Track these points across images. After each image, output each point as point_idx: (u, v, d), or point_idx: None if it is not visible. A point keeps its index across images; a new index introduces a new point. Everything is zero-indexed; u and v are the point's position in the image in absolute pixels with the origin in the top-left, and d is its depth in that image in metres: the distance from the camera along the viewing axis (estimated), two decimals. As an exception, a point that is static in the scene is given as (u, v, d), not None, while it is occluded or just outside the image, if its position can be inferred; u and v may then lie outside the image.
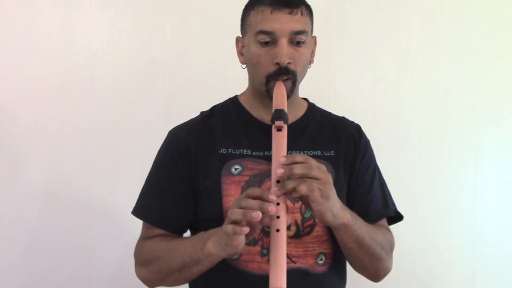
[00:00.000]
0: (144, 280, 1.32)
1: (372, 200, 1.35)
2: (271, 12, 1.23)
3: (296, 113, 1.35)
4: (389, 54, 2.18)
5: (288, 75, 1.25)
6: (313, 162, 1.11)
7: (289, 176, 1.10)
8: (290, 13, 1.24)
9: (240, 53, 1.34)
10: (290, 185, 1.09)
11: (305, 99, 1.42)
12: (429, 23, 2.19)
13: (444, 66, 2.20)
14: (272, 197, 1.07)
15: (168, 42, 2.05)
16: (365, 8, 2.17)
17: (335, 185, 1.25)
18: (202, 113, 1.39)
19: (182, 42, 2.06)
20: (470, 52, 2.20)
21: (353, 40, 2.16)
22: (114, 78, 2.02)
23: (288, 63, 1.24)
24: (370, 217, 1.33)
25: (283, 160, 1.11)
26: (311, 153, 1.31)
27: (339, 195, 1.24)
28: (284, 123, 1.19)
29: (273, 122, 1.19)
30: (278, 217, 1.08)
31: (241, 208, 1.07)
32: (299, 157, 1.11)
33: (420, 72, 2.19)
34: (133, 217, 1.35)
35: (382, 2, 2.17)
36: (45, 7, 1.97)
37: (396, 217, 1.41)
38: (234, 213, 1.07)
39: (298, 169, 1.09)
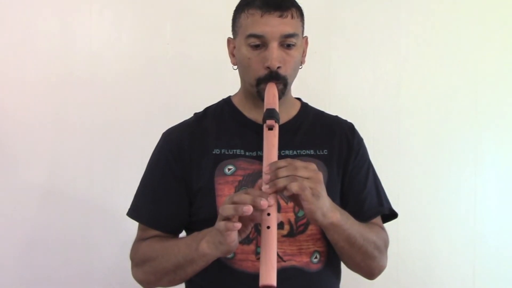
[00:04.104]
0: (140, 281, 1.33)
1: (366, 198, 1.36)
2: (261, 16, 1.24)
3: (289, 113, 1.36)
4: (389, 54, 2.18)
5: (278, 80, 1.26)
6: (298, 163, 1.11)
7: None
8: (281, 16, 1.24)
9: (232, 54, 1.35)
10: (281, 183, 1.09)
11: (298, 98, 1.43)
12: (429, 23, 2.19)
13: (444, 66, 2.19)
14: (266, 192, 1.08)
15: (168, 42, 2.05)
16: (365, 8, 2.16)
17: (328, 183, 1.27)
18: (195, 114, 1.41)
19: (182, 42, 2.06)
20: (470, 52, 2.19)
21: (353, 40, 2.16)
22: (114, 78, 2.02)
23: (278, 67, 1.25)
24: (364, 215, 1.33)
25: (266, 169, 1.11)
26: (304, 152, 1.32)
27: (333, 193, 1.25)
28: (276, 122, 1.19)
29: (264, 121, 1.20)
30: (269, 214, 1.08)
31: (233, 203, 1.08)
32: (281, 162, 1.12)
33: (420, 72, 2.19)
34: (132, 216, 1.36)
35: (382, 2, 2.17)
36: (45, 7, 1.98)
37: (391, 215, 1.41)
38: (226, 209, 1.08)
39: (282, 172, 1.09)
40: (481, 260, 2.20)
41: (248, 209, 1.05)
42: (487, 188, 2.21)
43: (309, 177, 1.10)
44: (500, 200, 2.22)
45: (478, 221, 2.20)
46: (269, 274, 1.04)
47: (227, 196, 1.12)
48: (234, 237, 1.10)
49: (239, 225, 1.08)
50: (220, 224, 1.09)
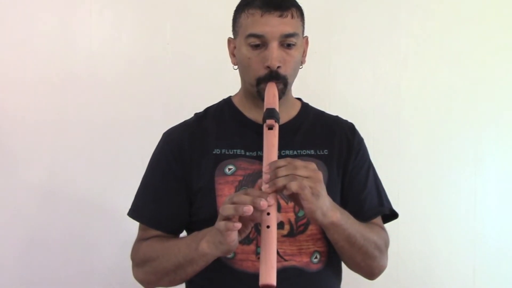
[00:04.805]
0: (140, 281, 1.33)
1: (366, 198, 1.36)
2: (262, 15, 1.24)
3: (289, 113, 1.36)
4: (389, 54, 2.18)
5: (278, 80, 1.26)
6: (298, 162, 1.11)
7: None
8: (281, 16, 1.24)
9: (232, 54, 1.35)
10: (280, 182, 1.09)
11: (299, 99, 1.43)
12: (429, 23, 2.19)
13: (444, 66, 2.20)
14: (265, 191, 1.08)
15: (168, 42, 2.05)
16: (365, 8, 2.16)
17: (329, 183, 1.27)
18: (196, 114, 1.41)
19: (182, 42, 2.06)
20: (470, 52, 2.19)
21: (353, 40, 2.16)
22: (114, 78, 2.02)
23: (278, 66, 1.25)
24: (364, 215, 1.33)
25: (266, 169, 1.11)
26: (304, 152, 1.32)
27: (333, 193, 1.25)
28: (275, 121, 1.20)
29: (264, 121, 1.20)
30: (268, 214, 1.08)
31: (233, 203, 1.08)
32: (281, 161, 1.12)
33: (420, 72, 2.19)
34: (132, 216, 1.36)
35: (382, 2, 2.17)
36: (45, 7, 1.98)
37: (391, 215, 1.41)
38: (226, 209, 1.08)
39: (282, 172, 1.09)
40: (481, 260, 2.20)
41: (249, 209, 1.05)
42: (487, 188, 2.21)
43: (309, 176, 1.10)
44: (500, 200, 2.22)
45: (478, 221, 2.20)
46: (269, 274, 1.04)
47: (227, 196, 1.12)
48: (234, 237, 1.10)
49: (239, 225, 1.08)
50: (220, 224, 1.09)
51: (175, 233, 1.35)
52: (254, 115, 1.33)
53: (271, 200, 1.08)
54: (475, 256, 2.20)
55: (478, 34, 2.20)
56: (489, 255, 2.20)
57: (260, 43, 1.25)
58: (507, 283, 2.22)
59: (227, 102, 1.40)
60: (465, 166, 2.21)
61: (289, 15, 1.25)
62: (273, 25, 1.24)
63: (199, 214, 1.30)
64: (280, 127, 1.21)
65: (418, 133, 2.19)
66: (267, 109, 1.22)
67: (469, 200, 2.20)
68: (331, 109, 1.46)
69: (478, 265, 2.20)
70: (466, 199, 2.20)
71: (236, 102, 1.38)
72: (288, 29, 1.25)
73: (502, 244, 2.22)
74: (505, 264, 2.22)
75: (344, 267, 1.37)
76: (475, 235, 2.20)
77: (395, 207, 1.42)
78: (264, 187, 1.10)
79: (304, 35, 1.34)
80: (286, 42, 1.25)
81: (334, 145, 1.35)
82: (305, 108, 1.41)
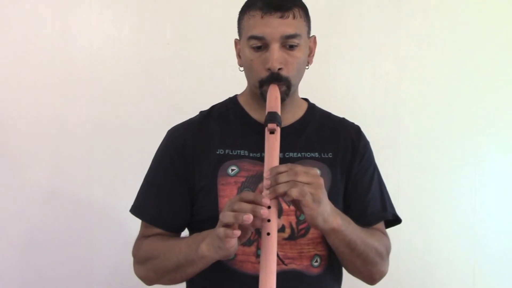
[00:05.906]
0: (141, 278, 1.33)
1: (369, 202, 1.34)
2: (262, 17, 1.23)
3: (295, 114, 1.35)
4: (389, 54, 2.18)
5: (280, 82, 1.24)
6: (299, 168, 1.10)
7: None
8: (281, 17, 1.23)
9: (238, 56, 1.34)
10: (281, 189, 1.08)
11: (306, 99, 1.42)
12: (429, 23, 2.19)
13: (444, 66, 2.19)
14: (265, 200, 1.07)
15: (168, 42, 2.05)
16: (365, 8, 2.16)
17: (332, 187, 1.26)
18: (201, 112, 1.40)
19: (182, 42, 2.06)
20: (470, 52, 2.19)
21: (353, 40, 2.16)
22: (114, 78, 2.02)
23: (279, 68, 1.23)
24: (367, 219, 1.32)
25: (267, 174, 1.11)
26: (308, 154, 1.31)
27: (336, 197, 1.25)
28: (277, 125, 1.18)
29: (266, 125, 1.19)
30: (269, 220, 1.08)
31: (233, 211, 1.07)
32: (282, 167, 1.11)
33: (420, 72, 2.19)
34: (133, 216, 1.36)
35: (382, 2, 2.17)
36: (45, 7, 1.98)
37: (394, 220, 1.41)
38: (226, 216, 1.07)
39: (283, 178, 1.09)
40: (481, 260, 2.20)
41: (248, 218, 1.04)
42: (487, 188, 2.21)
43: (310, 183, 1.09)
44: (500, 200, 2.22)
45: (478, 221, 2.20)
46: (268, 280, 1.05)
47: (228, 201, 1.11)
48: (233, 243, 1.10)
49: (238, 232, 1.07)
50: (219, 230, 1.09)
51: (177, 232, 1.35)
52: (259, 116, 1.31)
53: (272, 206, 1.08)
54: (475, 256, 2.20)
55: (478, 34, 2.19)
56: (489, 255, 2.20)
57: (261, 45, 1.24)
58: (507, 283, 2.22)
59: (233, 101, 1.38)
60: (465, 166, 2.20)
61: (291, 16, 1.23)
62: (273, 26, 1.22)
63: (200, 213, 1.30)
64: (286, 128, 1.21)
65: (418, 133, 2.19)
66: (269, 112, 1.21)
67: (469, 200, 2.20)
68: (331, 110, 1.45)
69: (478, 265, 2.20)
70: (466, 199, 2.20)
71: (242, 101, 1.37)
72: (289, 30, 1.23)
73: (502, 244, 2.22)
74: (505, 264, 2.22)
75: (344, 271, 1.37)
76: (475, 235, 2.20)
77: (395, 207, 1.42)
78: (265, 193, 1.10)
79: (312, 35, 1.32)
80: (288, 43, 1.24)
81: (338, 148, 1.34)
82: (312, 109, 1.40)
